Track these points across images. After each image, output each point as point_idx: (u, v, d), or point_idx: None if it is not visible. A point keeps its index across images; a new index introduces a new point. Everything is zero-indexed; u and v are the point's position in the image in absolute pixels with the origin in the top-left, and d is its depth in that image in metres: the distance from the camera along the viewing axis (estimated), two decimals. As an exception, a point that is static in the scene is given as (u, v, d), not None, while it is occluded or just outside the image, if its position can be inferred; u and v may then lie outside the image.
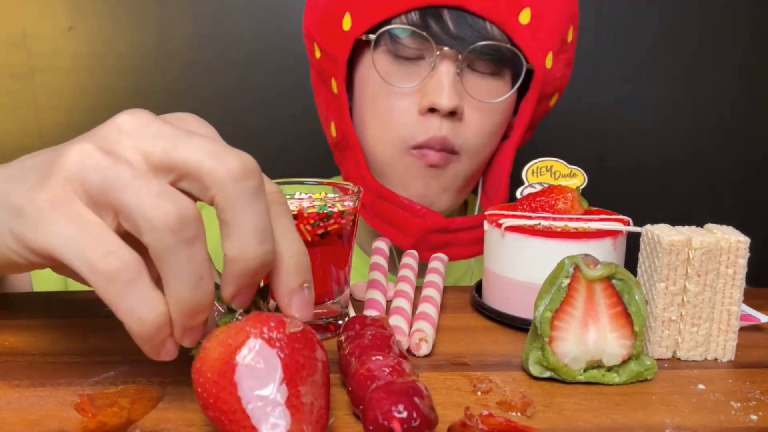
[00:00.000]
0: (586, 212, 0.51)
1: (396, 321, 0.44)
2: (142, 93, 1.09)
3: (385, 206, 0.67)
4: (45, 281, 0.63)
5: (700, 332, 0.42)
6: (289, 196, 0.42)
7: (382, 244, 0.59)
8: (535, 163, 0.54)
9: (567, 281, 0.37)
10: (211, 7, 1.08)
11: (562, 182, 0.53)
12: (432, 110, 0.63)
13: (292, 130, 1.11)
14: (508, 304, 0.49)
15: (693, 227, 0.43)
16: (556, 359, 0.38)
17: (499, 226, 0.49)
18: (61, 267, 0.31)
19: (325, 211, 0.42)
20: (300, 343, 0.28)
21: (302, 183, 0.48)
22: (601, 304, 0.37)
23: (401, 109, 0.65)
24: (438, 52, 0.62)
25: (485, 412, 0.31)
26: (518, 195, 0.53)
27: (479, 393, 0.37)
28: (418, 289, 0.52)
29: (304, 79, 0.78)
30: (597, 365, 0.38)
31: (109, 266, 0.27)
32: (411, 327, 0.44)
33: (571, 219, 0.49)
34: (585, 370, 0.38)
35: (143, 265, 0.28)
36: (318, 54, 0.69)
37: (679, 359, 0.43)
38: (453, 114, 0.63)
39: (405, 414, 0.28)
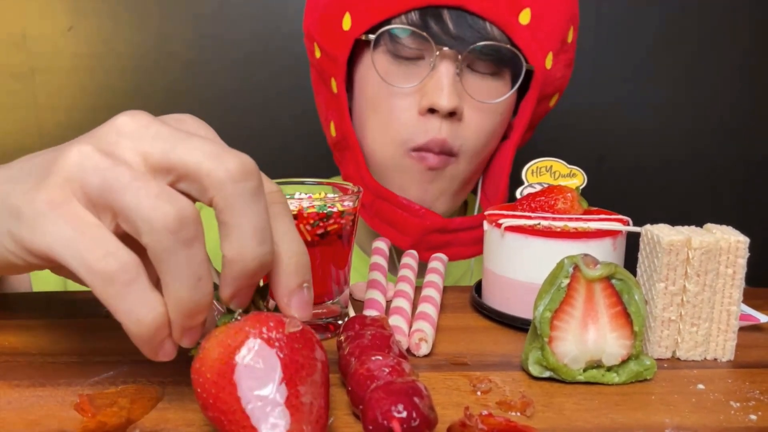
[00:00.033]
0: (585, 212, 0.51)
1: (396, 321, 0.44)
2: (142, 93, 1.09)
3: (384, 206, 0.67)
4: (44, 282, 0.63)
5: (700, 332, 0.42)
6: (289, 196, 0.42)
7: (381, 244, 0.59)
8: (535, 163, 0.54)
9: (566, 281, 0.37)
10: (211, 7, 1.09)
11: (562, 182, 0.53)
12: (431, 111, 0.63)
13: (292, 131, 1.11)
14: (508, 304, 0.49)
15: (692, 227, 0.43)
16: (555, 359, 0.38)
17: (499, 226, 0.49)
18: (59, 268, 0.31)
19: (325, 211, 0.42)
20: (299, 343, 0.28)
21: (302, 183, 0.48)
22: (601, 304, 0.37)
23: (401, 110, 0.65)
24: (438, 53, 0.62)
25: (485, 412, 0.31)
26: (518, 195, 0.53)
27: (479, 393, 0.37)
28: (417, 289, 0.52)
29: (304, 79, 0.78)
30: (596, 365, 0.38)
31: (107, 267, 0.27)
32: (411, 327, 0.44)
33: (570, 219, 0.49)
34: (584, 370, 0.38)
35: (141, 266, 0.28)
36: (318, 54, 0.69)
37: (678, 359, 0.43)
38: (452, 114, 0.63)
39: (405, 414, 0.28)
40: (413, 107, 0.64)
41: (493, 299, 0.50)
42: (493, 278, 0.50)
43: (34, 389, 0.36)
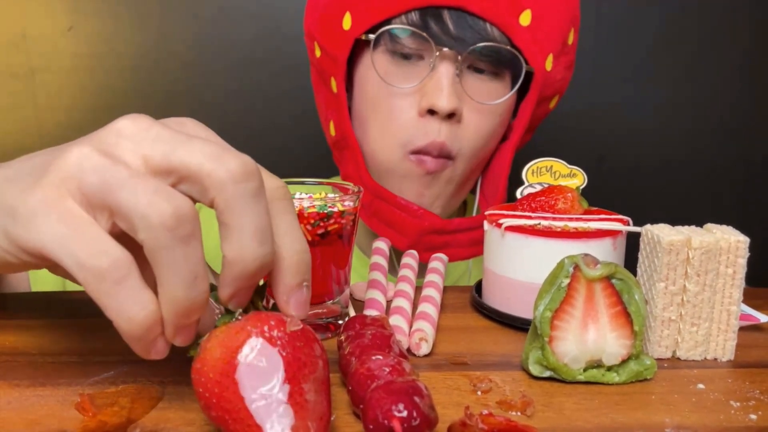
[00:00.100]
0: (586, 212, 0.51)
1: (396, 321, 0.44)
2: (142, 93, 1.09)
3: (382, 206, 0.67)
4: (43, 281, 0.63)
5: (700, 332, 0.42)
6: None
7: (381, 244, 0.59)
8: (535, 163, 0.54)
9: (567, 281, 0.37)
10: (211, 8, 1.09)
11: (562, 182, 0.53)
12: (431, 112, 0.63)
13: (292, 131, 1.11)
14: (508, 303, 0.49)
15: (693, 227, 0.43)
16: (555, 359, 0.38)
17: (499, 225, 0.49)
18: (55, 267, 0.31)
19: (326, 211, 0.42)
20: (301, 341, 0.29)
21: (302, 183, 0.48)
22: (601, 303, 0.37)
23: (400, 110, 0.65)
24: (437, 53, 0.62)
25: (485, 412, 0.31)
26: (518, 195, 0.53)
27: (479, 392, 0.37)
28: (418, 289, 0.52)
29: (304, 79, 0.78)
30: (597, 365, 0.38)
31: (99, 264, 0.27)
32: (411, 327, 0.44)
33: (571, 219, 0.49)
34: (585, 370, 0.38)
35: (134, 263, 0.28)
36: (318, 53, 0.69)
37: (678, 359, 0.43)
38: (452, 116, 0.63)
39: (405, 413, 0.28)
40: (413, 108, 0.64)
41: (494, 299, 0.50)
42: (494, 278, 0.50)
43: (35, 389, 0.36)
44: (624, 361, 0.38)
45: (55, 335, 0.44)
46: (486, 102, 0.65)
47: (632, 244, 0.47)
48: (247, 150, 0.30)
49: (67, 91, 1.08)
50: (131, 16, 1.07)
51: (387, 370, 0.32)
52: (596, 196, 0.57)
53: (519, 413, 0.34)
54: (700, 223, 0.44)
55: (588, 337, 0.38)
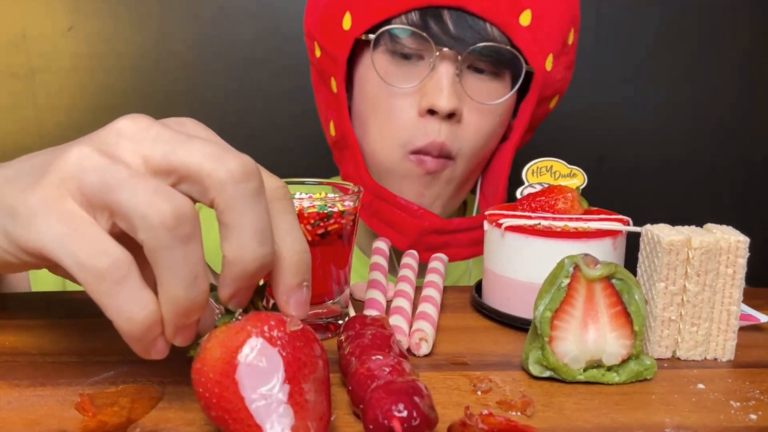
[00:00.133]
0: (586, 212, 0.51)
1: (396, 321, 0.44)
2: (142, 93, 1.09)
3: (382, 206, 0.67)
4: (43, 281, 0.63)
5: (700, 332, 0.42)
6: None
7: (382, 244, 0.59)
8: (535, 163, 0.54)
9: (567, 281, 0.37)
10: (212, 8, 1.09)
11: (562, 182, 0.53)
12: (431, 112, 0.63)
13: (292, 131, 1.11)
14: (508, 304, 0.49)
15: (693, 227, 0.43)
16: (555, 359, 0.38)
17: (499, 225, 0.49)
18: (55, 267, 0.31)
19: (326, 211, 0.42)
20: (301, 341, 0.29)
21: (302, 183, 0.48)
22: (601, 303, 0.37)
23: (400, 110, 0.65)
24: (437, 53, 0.62)
25: (485, 412, 0.31)
26: (518, 195, 0.53)
27: (479, 392, 0.37)
28: (418, 289, 0.52)
29: (304, 79, 0.78)
30: (597, 365, 0.38)
31: (98, 264, 0.27)
32: (411, 327, 0.44)
33: (571, 219, 0.49)
34: (585, 370, 0.38)
35: (133, 263, 0.28)
36: (318, 53, 0.69)
37: (678, 359, 0.43)
38: (452, 116, 0.63)
39: (405, 413, 0.28)
40: (413, 108, 0.64)
41: (494, 299, 0.50)
42: (494, 278, 0.50)
43: (35, 389, 0.36)
44: (624, 361, 0.38)
45: (55, 335, 0.44)
46: (486, 102, 0.65)
47: (632, 244, 0.47)
48: (247, 150, 0.30)
49: (67, 91, 1.08)
50: (131, 16, 1.07)
51: (387, 370, 0.32)
52: (596, 196, 0.57)
53: (519, 413, 0.34)
54: (700, 223, 0.44)
55: (588, 337, 0.38)
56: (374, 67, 0.64)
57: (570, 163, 0.54)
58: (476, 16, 0.62)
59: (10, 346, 0.42)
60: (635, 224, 0.48)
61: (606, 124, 1.17)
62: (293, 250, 0.31)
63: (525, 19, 0.62)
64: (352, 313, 0.47)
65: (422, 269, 0.57)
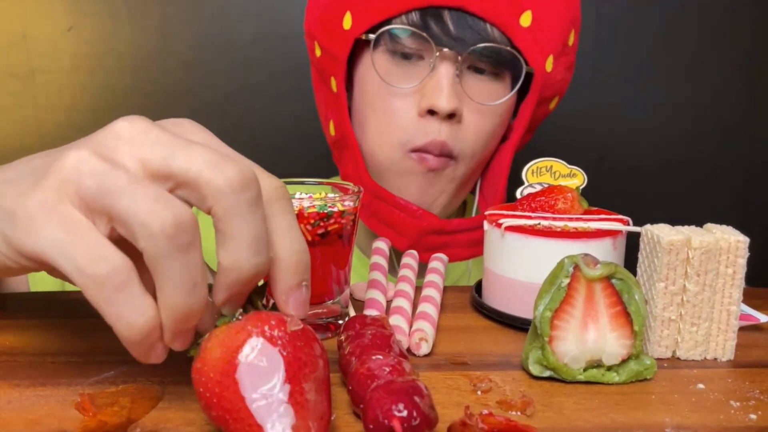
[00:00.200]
0: (585, 212, 0.51)
1: (396, 321, 0.44)
2: (142, 93, 1.09)
3: (382, 207, 0.67)
4: (42, 282, 0.63)
5: (700, 332, 0.42)
6: (289, 196, 0.42)
7: (382, 244, 0.59)
8: (535, 163, 0.54)
9: (567, 281, 0.37)
10: (212, 8, 1.09)
11: (562, 182, 0.53)
12: (431, 112, 0.63)
13: (292, 131, 1.11)
14: (508, 303, 0.49)
15: (692, 227, 0.43)
16: (555, 359, 0.38)
17: (499, 225, 0.49)
18: (53, 270, 0.31)
19: (326, 211, 0.42)
20: (301, 341, 0.29)
21: (302, 183, 0.48)
22: (601, 303, 0.37)
23: (400, 110, 0.65)
24: (438, 53, 0.62)
25: (485, 412, 0.31)
26: (518, 195, 0.53)
27: (479, 392, 0.37)
28: (418, 289, 0.52)
29: (304, 79, 0.78)
30: (597, 365, 0.38)
31: (98, 270, 0.27)
32: (411, 326, 0.44)
33: (570, 219, 0.49)
34: (585, 370, 0.38)
35: (133, 269, 0.28)
36: (318, 52, 0.69)
37: (678, 359, 0.43)
38: (452, 116, 0.63)
39: (405, 413, 0.28)
40: (413, 108, 0.64)
41: (494, 299, 0.51)
42: (494, 278, 0.50)
43: (35, 389, 0.36)
44: (624, 361, 0.38)
45: (55, 335, 0.44)
46: (486, 103, 0.65)
47: (632, 244, 0.47)
48: (247, 150, 0.30)
49: (67, 91, 1.08)
50: (131, 16, 1.07)
51: (387, 369, 0.32)
52: (596, 196, 0.57)
53: (519, 413, 0.34)
54: (700, 223, 0.44)
55: (588, 337, 0.38)
56: (374, 66, 0.64)
57: (570, 163, 0.54)
58: (476, 16, 0.62)
59: (10, 346, 0.42)
60: (635, 224, 0.48)
61: (606, 124, 1.17)
62: (292, 250, 0.31)
63: (525, 20, 0.62)
64: (352, 313, 0.47)
65: (422, 269, 0.57)
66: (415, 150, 0.65)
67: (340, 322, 0.46)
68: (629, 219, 0.49)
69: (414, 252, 0.60)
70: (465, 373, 0.39)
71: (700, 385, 0.38)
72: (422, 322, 0.44)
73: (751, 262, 0.42)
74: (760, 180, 1.22)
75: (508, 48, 0.63)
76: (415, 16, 0.62)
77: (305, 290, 0.32)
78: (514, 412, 0.34)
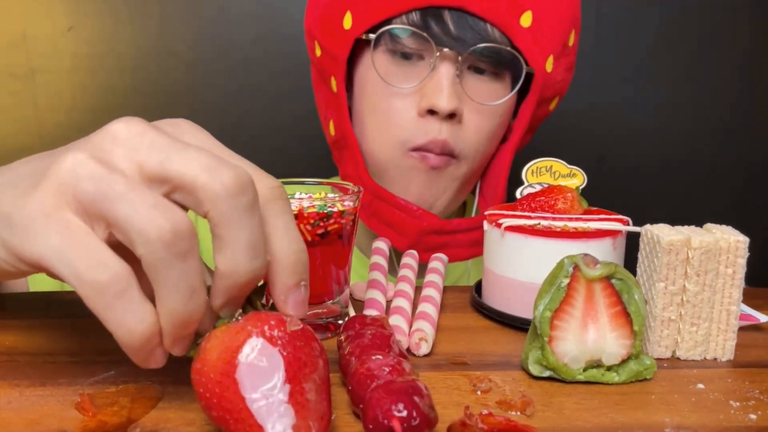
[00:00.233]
0: (585, 212, 0.51)
1: (396, 321, 0.44)
2: (142, 93, 1.09)
3: (382, 207, 0.67)
4: (41, 282, 0.63)
5: (700, 332, 0.42)
6: (289, 196, 0.42)
7: (381, 244, 0.59)
8: (535, 163, 0.54)
9: (566, 281, 0.37)
10: (212, 8, 1.09)
11: (562, 182, 0.53)
12: (431, 112, 0.63)
13: (292, 131, 1.11)
14: (508, 303, 0.49)
15: (692, 227, 0.43)
16: (555, 359, 0.38)
17: (499, 225, 0.49)
18: (52, 273, 0.31)
19: (325, 211, 0.42)
20: (301, 341, 0.29)
21: (302, 183, 0.48)
22: (601, 303, 0.37)
23: (400, 110, 0.65)
24: (438, 53, 0.62)
25: (485, 412, 0.31)
26: (518, 195, 0.53)
27: (479, 392, 0.37)
28: (417, 289, 0.52)
29: (304, 79, 0.78)
30: (596, 365, 0.38)
31: (98, 278, 0.27)
32: (411, 327, 0.44)
33: (570, 219, 0.49)
34: (584, 370, 0.38)
35: (132, 276, 0.28)
36: (318, 52, 0.69)
37: (678, 359, 0.43)
38: (452, 116, 0.63)
39: (405, 413, 0.28)
40: (413, 108, 0.64)
41: (493, 299, 0.51)
42: (493, 278, 0.50)
43: (35, 389, 0.36)
44: (624, 361, 0.38)
45: (55, 335, 0.44)
46: (486, 103, 0.65)
47: (632, 244, 0.47)
48: (247, 150, 0.30)
49: (67, 92, 1.08)
50: (131, 16, 1.07)
51: (387, 369, 0.32)
52: (596, 196, 0.57)
53: (519, 413, 0.34)
54: (699, 223, 0.44)
55: (588, 337, 0.38)
56: (374, 66, 0.64)
57: (570, 163, 0.54)
58: (477, 16, 0.61)
59: (10, 346, 0.42)
60: (635, 224, 0.48)
61: (606, 124, 1.17)
62: (290, 250, 0.31)
63: (526, 20, 0.62)
64: (352, 313, 0.47)
65: (422, 269, 0.57)
66: (416, 149, 0.65)
67: (340, 322, 0.46)
68: (629, 219, 0.49)
69: (414, 252, 0.60)
70: (465, 373, 0.39)
71: (700, 385, 0.38)
72: (422, 322, 0.44)
73: (751, 262, 0.42)
74: (760, 180, 1.22)
75: (509, 48, 0.63)
76: (415, 16, 0.62)
77: (304, 290, 0.32)
78: (513, 412, 0.34)
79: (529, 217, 0.49)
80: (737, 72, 1.17)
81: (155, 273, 0.27)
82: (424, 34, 0.62)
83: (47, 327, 0.45)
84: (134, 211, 0.27)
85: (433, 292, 0.50)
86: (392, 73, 0.65)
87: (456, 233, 0.67)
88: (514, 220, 0.49)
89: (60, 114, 1.09)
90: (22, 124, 1.09)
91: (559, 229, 0.47)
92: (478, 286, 0.54)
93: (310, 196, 0.43)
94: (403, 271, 0.54)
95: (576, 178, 0.53)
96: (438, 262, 0.58)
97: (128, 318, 0.28)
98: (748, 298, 0.45)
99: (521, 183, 0.54)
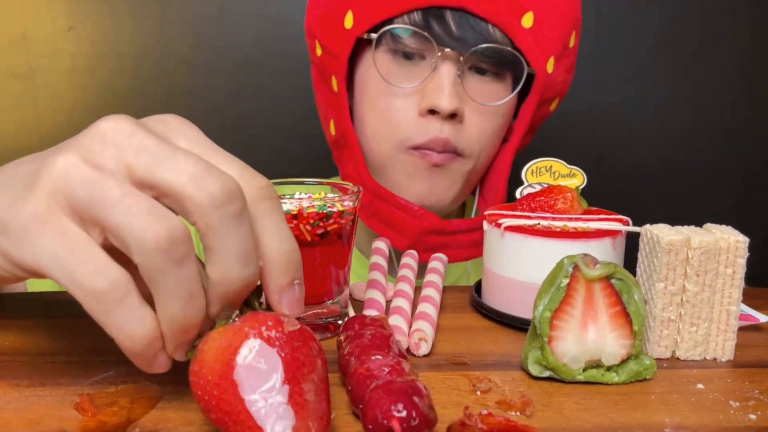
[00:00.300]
0: (585, 212, 0.51)
1: (395, 321, 0.44)
2: (142, 93, 1.09)
3: (382, 206, 0.67)
4: (40, 284, 0.63)
5: (699, 332, 0.42)
6: (289, 196, 0.42)
7: (381, 244, 0.59)
8: (535, 163, 0.54)
9: (566, 281, 0.37)
10: (212, 8, 1.09)
11: (562, 182, 0.53)
12: (432, 112, 0.63)
13: (292, 131, 1.11)
14: (508, 304, 0.49)
15: (692, 227, 0.43)
16: (555, 359, 0.38)
17: (499, 225, 0.49)
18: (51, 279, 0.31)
19: (325, 211, 0.42)
20: (299, 341, 0.29)
21: (302, 183, 0.48)
22: (600, 303, 0.37)
23: (401, 110, 0.65)
24: (439, 53, 0.62)
25: (484, 412, 0.31)
26: (518, 195, 0.53)
27: (478, 392, 0.37)
28: (417, 289, 0.52)
29: (304, 79, 0.78)
30: (596, 365, 0.38)
31: (97, 285, 0.27)
32: (410, 327, 0.44)
33: (570, 219, 0.49)
34: (584, 370, 0.38)
35: (131, 282, 0.28)
36: (319, 51, 0.69)
37: (678, 359, 0.43)
38: (453, 116, 0.63)
39: (404, 413, 0.28)
40: (413, 108, 0.64)
41: (493, 299, 0.51)
42: (493, 278, 0.50)
43: (35, 389, 0.36)
44: (623, 361, 0.38)
45: (55, 335, 0.44)
46: (487, 103, 0.65)
47: (632, 244, 0.47)
48: (247, 150, 0.30)
49: (67, 92, 1.08)
50: (131, 16, 1.07)
51: (386, 370, 0.32)
52: (596, 196, 0.57)
53: (518, 413, 0.34)
54: (699, 223, 0.44)
55: (587, 337, 0.38)
56: (375, 66, 0.64)
57: (570, 163, 0.54)
58: (478, 17, 0.61)
59: (10, 346, 0.42)
60: (635, 224, 0.48)
61: (606, 124, 1.17)
62: (280, 249, 0.31)
63: (527, 21, 0.62)
64: (351, 313, 0.47)
65: (422, 269, 0.57)
66: (417, 147, 0.65)
67: (340, 322, 0.46)
68: (629, 219, 0.49)
69: (414, 252, 0.60)
70: (464, 374, 0.39)
71: (700, 385, 0.38)
72: (422, 322, 0.44)
73: (751, 262, 0.42)
74: (760, 180, 1.22)
75: (510, 49, 0.63)
76: (416, 16, 0.62)
77: (298, 288, 0.32)
78: (513, 413, 0.34)
79: (529, 217, 0.49)
80: (737, 72, 1.17)
81: (153, 280, 0.27)
82: (426, 34, 0.61)
83: (47, 327, 0.45)
84: (130, 218, 0.27)
85: (432, 292, 0.50)
86: (393, 73, 0.65)
87: (456, 234, 0.67)
88: (513, 220, 0.49)
89: (60, 114, 1.09)
90: (22, 124, 1.09)
91: (558, 229, 0.47)
92: (478, 286, 0.54)
93: (310, 196, 0.43)
94: (403, 271, 0.54)
95: (576, 178, 0.53)
96: (438, 262, 0.58)
97: (129, 324, 0.28)
98: (748, 298, 0.45)
99: (521, 183, 0.54)
